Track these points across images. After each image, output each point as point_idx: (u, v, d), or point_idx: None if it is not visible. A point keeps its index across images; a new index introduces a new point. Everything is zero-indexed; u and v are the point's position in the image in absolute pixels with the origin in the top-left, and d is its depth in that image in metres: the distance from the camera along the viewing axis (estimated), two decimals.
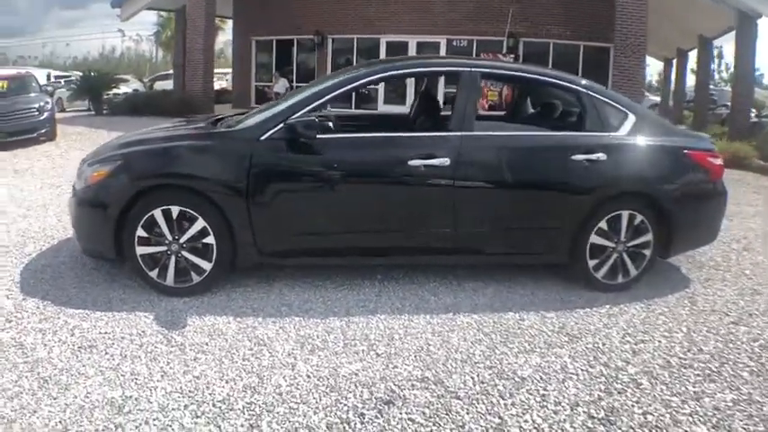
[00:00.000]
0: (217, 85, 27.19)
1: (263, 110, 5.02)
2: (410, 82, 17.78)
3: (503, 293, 4.69)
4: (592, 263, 4.72)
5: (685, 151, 4.88)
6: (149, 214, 4.36)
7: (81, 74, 24.19)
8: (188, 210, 4.36)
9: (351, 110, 20.74)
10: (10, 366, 3.42)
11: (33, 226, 6.44)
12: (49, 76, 31.55)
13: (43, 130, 14.33)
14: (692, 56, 27.49)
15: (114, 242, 4.43)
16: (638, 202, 4.72)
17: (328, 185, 4.52)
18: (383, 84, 21.36)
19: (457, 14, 20.55)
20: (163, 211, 4.36)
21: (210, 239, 4.40)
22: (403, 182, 4.52)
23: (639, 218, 4.70)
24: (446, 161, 4.46)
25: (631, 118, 4.88)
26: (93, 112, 21.76)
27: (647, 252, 4.79)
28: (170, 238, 4.40)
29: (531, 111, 6.15)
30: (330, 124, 4.87)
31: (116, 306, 4.28)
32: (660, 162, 4.81)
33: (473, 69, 4.83)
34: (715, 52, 31.12)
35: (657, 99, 35.49)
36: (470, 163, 4.55)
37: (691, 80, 30.07)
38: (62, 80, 31.18)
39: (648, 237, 4.75)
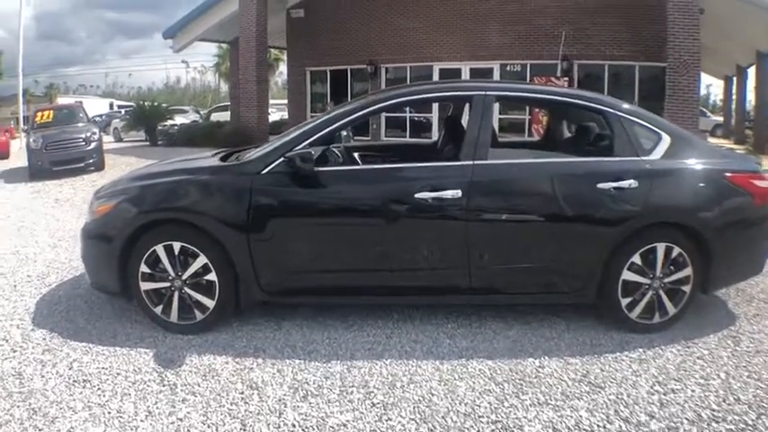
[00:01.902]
0: (277, 116, 27.70)
1: (269, 143, 4.85)
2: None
3: (526, 336, 4.30)
4: (625, 301, 4.29)
5: (727, 174, 4.40)
6: (151, 250, 4.26)
7: (128, 105, 24.89)
8: (189, 246, 4.24)
9: (380, 139, 20.92)
10: (5, 395, 3.48)
11: (60, 256, 6.46)
12: (111, 106, 32.66)
13: (91, 161, 14.78)
14: (752, 72, 26.31)
15: (119, 277, 4.36)
16: (676, 233, 4.27)
17: (331, 221, 4.28)
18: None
19: (509, 38, 20.25)
20: (165, 246, 4.25)
21: (212, 276, 4.25)
22: (410, 216, 4.21)
23: (677, 250, 4.26)
24: (457, 193, 4.14)
25: (665, 140, 4.45)
26: (148, 143, 22.33)
27: (687, 288, 4.34)
28: (173, 274, 4.28)
29: (567, 135, 5.81)
30: (338, 155, 4.67)
31: (120, 341, 4.24)
32: (699, 187, 4.35)
33: (487, 93, 4.51)
34: None
35: (720, 119, 34.33)
36: (484, 194, 4.22)
37: (752, 98, 28.77)
38: (123, 110, 32.10)
39: (687, 271, 4.30)
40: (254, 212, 4.18)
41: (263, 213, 4.20)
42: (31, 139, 14.92)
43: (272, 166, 4.25)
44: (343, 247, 4.28)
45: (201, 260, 4.23)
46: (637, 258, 4.24)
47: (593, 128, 5.11)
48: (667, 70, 16.04)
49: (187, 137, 20.95)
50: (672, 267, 4.29)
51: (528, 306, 4.69)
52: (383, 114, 22.00)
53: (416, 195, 4.14)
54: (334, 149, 5.31)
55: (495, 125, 6.24)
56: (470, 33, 20.85)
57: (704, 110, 36.87)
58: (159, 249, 4.24)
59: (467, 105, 4.79)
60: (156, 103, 24.52)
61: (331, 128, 4.43)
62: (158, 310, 4.34)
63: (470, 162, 4.24)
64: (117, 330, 4.42)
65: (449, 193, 4.14)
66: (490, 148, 4.33)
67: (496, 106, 4.72)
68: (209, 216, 4.23)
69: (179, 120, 26.64)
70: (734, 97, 30.61)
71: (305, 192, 4.25)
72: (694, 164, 4.42)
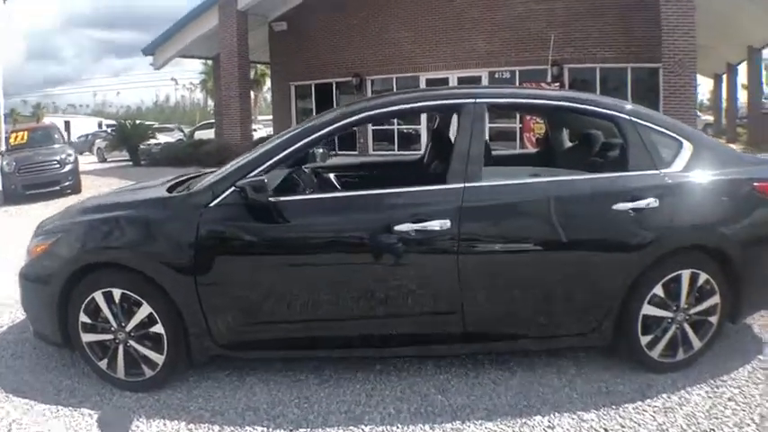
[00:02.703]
0: (264, 133, 27.20)
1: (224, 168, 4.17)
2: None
3: (532, 386, 3.63)
4: (645, 340, 3.65)
5: (755, 184, 3.78)
6: (90, 297, 3.64)
7: (116, 124, 24.46)
8: (131, 293, 3.61)
9: (366, 154, 20.43)
10: None
11: (17, 293, 5.80)
12: (100, 125, 32.40)
13: (66, 183, 14.44)
14: (742, 69, 26.00)
15: (60, 326, 3.76)
16: (702, 257, 3.64)
17: (294, 260, 3.60)
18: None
19: (497, 45, 19.80)
20: (104, 293, 3.63)
21: (159, 329, 3.61)
22: (389, 252, 3.52)
23: (704, 277, 3.63)
24: (446, 223, 3.46)
25: (687, 147, 3.81)
26: (131, 163, 21.78)
27: (714, 319, 3.71)
28: (115, 325, 3.66)
29: (568, 145, 5.21)
30: (309, 178, 4.05)
31: (64, 399, 3.70)
32: (726, 202, 3.73)
33: (477, 101, 3.83)
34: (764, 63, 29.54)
35: (710, 118, 34.13)
36: (478, 223, 3.56)
37: (742, 95, 28.50)
38: (110, 129, 31.86)
39: (715, 299, 3.68)
40: (201, 253, 3.53)
41: (212, 254, 3.55)
42: (4, 162, 14.56)
43: (223, 196, 3.59)
44: (311, 292, 3.60)
45: (146, 309, 3.60)
46: (659, 290, 3.61)
47: (599, 136, 4.50)
48: (662, 71, 15.78)
49: (169, 156, 20.37)
50: (697, 296, 3.67)
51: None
52: (370, 127, 21.61)
53: (397, 228, 3.46)
54: (305, 171, 4.72)
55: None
56: (457, 42, 20.45)
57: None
58: (98, 297, 3.63)
59: (454, 116, 4.19)
60: (137, 122, 23.95)
61: (294, 147, 3.74)
62: (103, 364, 3.73)
63: (460, 184, 3.58)
64: (63, 386, 3.86)
65: (435, 224, 3.46)
66: (483, 167, 3.68)
67: (488, 116, 4.06)
68: (150, 259, 3.58)
69: (163, 138, 26.10)
70: (724, 95, 30.30)
71: (261, 227, 3.57)
72: (720, 174, 3.79)
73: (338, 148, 22.16)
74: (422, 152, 5.71)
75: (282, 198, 3.60)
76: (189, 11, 21.42)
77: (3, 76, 24.05)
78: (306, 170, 4.77)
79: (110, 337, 3.69)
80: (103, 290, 3.62)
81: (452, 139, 4.84)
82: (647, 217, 3.55)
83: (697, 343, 3.72)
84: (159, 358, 3.64)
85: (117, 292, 3.61)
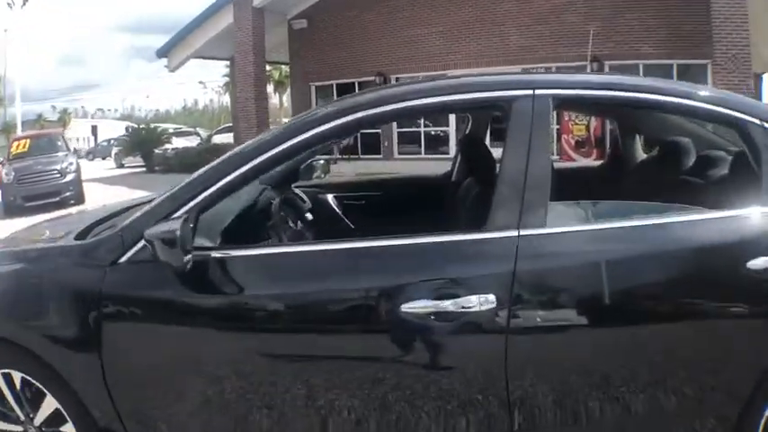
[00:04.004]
0: None
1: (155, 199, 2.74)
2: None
3: None
4: None
5: None
6: None
7: (130, 128, 23.80)
8: (31, 379, 2.47)
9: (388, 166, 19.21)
10: None
11: None
12: (127, 129, 32.39)
13: (67, 194, 13.96)
14: None
15: None
16: None
17: (242, 350, 2.32)
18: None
19: (531, 39, 18.44)
20: (3, 375, 2.50)
21: (69, 428, 2.44)
22: (396, 346, 2.26)
23: None
24: (487, 300, 2.12)
25: None
26: (145, 169, 20.98)
27: None
28: (22, 416, 2.52)
29: (642, 157, 3.88)
30: (300, 201, 2.85)
31: None
32: None
33: (538, 92, 2.37)
34: None
35: None
36: (543, 298, 2.24)
37: None
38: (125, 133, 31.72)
39: None
40: (108, 332, 2.31)
41: (124, 337, 2.34)
42: (4, 172, 13.99)
43: (135, 250, 2.32)
44: (269, 407, 2.31)
45: (51, 402, 2.42)
46: None
47: (691, 147, 3.21)
48: (713, 66, 14.60)
49: (184, 162, 19.46)
50: None
51: None
52: (395, 128, 20.43)
53: (405, 308, 2.14)
54: (295, 192, 3.54)
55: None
56: (487, 37, 19.18)
57: None
58: None
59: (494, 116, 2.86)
60: (152, 126, 23.18)
61: (228, 179, 2.36)
62: None
63: (512, 232, 2.21)
64: None
65: (472, 301, 2.12)
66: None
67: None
68: (43, 335, 2.40)
69: (181, 143, 25.30)
70: (765, 97, 29.07)
71: (196, 298, 2.32)
72: None
73: (361, 152, 21.14)
74: (450, 166, 4.23)
75: (224, 253, 2.33)
76: (203, 10, 20.47)
77: (28, 82, 23.78)
78: (297, 190, 3.58)
79: (19, 429, 2.56)
80: (2, 371, 2.50)
81: (490, 150, 3.54)
82: None
83: None
84: None
85: (17, 376, 2.48)
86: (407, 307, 2.12)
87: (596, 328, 2.22)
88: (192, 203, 2.31)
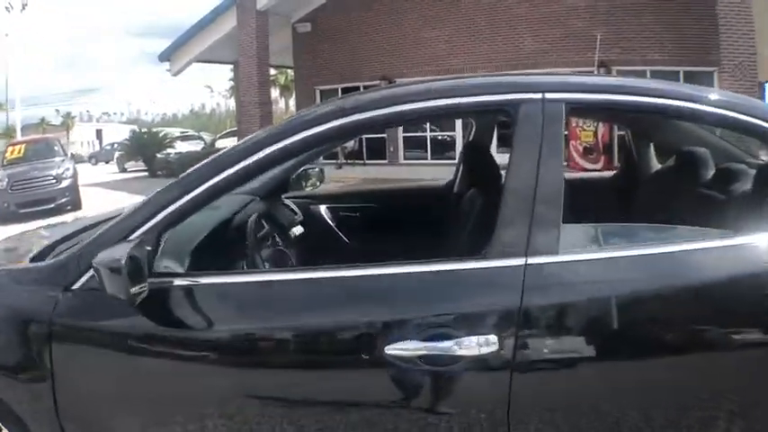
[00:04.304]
0: None
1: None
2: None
3: None
4: None
5: None
6: None
7: (131, 132, 23.66)
8: None
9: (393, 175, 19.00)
10: None
11: None
12: (131, 133, 32.40)
13: (63, 200, 13.65)
14: None
15: None
16: None
17: (200, 388, 2.04)
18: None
19: (537, 44, 18.32)
20: None
21: None
22: (376, 391, 1.93)
23: None
24: (488, 341, 1.80)
25: None
26: (148, 174, 20.80)
27: None
28: None
29: (657, 167, 3.59)
30: (291, 213, 2.61)
31: None
32: None
33: (548, 95, 2.07)
34: None
35: None
36: (552, 341, 1.89)
37: None
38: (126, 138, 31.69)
39: None
40: (60, 364, 2.05)
41: (75, 366, 2.07)
42: None
43: (89, 275, 2.02)
44: None
45: None
46: None
47: (708, 157, 2.93)
48: (719, 74, 14.49)
49: (186, 166, 19.16)
50: None
51: None
52: (401, 132, 20.19)
53: (390, 350, 1.83)
54: (286, 204, 3.30)
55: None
56: (494, 42, 19.08)
57: None
58: None
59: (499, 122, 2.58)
60: (153, 130, 23.00)
61: (195, 194, 2.05)
62: None
63: (519, 260, 1.88)
64: None
65: (471, 343, 1.81)
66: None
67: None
68: None
69: (186, 147, 25.06)
70: None
71: (148, 330, 2.02)
72: None
73: (366, 157, 20.89)
74: (453, 174, 3.87)
75: (183, 281, 2.04)
76: (206, 13, 20.27)
77: (32, 86, 23.63)
78: (289, 201, 3.33)
79: None
80: None
81: (495, 160, 3.25)
82: None
83: None
84: None
85: None
86: (393, 348, 1.81)
87: (615, 375, 1.92)
88: (150, 223, 2.02)
